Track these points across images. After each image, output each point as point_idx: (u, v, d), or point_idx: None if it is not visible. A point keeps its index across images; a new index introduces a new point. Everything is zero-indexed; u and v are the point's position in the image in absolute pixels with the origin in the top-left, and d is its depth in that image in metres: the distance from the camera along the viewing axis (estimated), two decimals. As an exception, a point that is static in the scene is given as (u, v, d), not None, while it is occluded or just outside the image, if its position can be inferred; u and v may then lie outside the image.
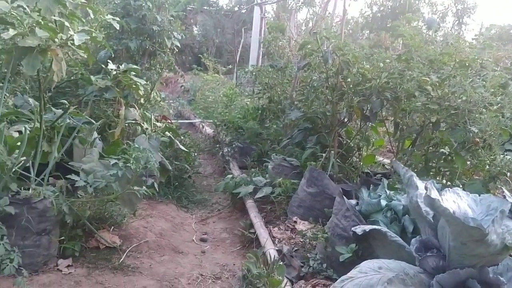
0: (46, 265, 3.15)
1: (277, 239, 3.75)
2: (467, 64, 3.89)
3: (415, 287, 2.03)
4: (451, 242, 2.05)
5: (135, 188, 3.40)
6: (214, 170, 6.89)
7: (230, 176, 5.32)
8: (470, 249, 1.98)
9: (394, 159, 4.25)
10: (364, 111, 4.23)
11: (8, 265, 2.71)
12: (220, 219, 4.93)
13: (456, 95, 3.57)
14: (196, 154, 6.08)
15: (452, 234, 2.01)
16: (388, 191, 3.29)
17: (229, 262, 3.77)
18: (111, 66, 4.04)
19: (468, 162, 3.75)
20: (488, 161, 3.40)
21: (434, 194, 2.07)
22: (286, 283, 2.81)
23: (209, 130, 8.51)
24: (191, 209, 5.15)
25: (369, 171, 4.78)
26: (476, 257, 2.02)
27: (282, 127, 5.87)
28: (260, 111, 6.75)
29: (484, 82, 3.72)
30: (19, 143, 3.34)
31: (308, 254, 3.29)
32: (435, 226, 2.26)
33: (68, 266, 3.25)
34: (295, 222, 3.96)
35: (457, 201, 2.35)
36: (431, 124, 3.78)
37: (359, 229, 2.73)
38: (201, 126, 9.13)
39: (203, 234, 4.41)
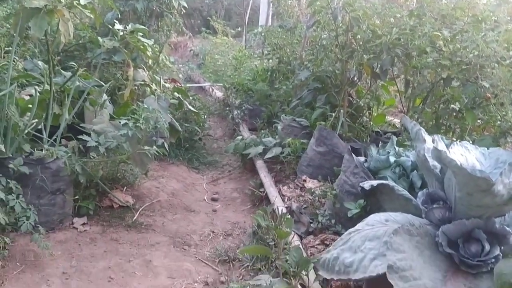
0: (62, 223, 3.25)
1: (286, 197, 3.79)
2: (480, 19, 3.78)
3: (420, 237, 2.05)
4: (457, 193, 2.05)
5: (146, 148, 3.45)
6: (225, 133, 6.92)
7: (240, 137, 5.35)
8: (476, 199, 1.98)
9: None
10: (374, 69, 4.17)
11: (24, 222, 2.80)
12: (231, 180, 5.00)
13: (468, 50, 3.49)
14: (206, 116, 6.09)
15: (459, 185, 2.01)
16: (397, 148, 3.28)
17: (240, 220, 3.85)
18: (118, 26, 4.02)
19: (479, 120, 3.72)
20: (499, 117, 3.36)
21: (441, 146, 2.07)
22: (293, 236, 2.87)
23: (219, 94, 8.50)
24: (202, 170, 5.22)
25: (379, 130, 4.77)
26: (482, 207, 2.02)
27: (292, 88, 5.82)
28: (269, 73, 6.69)
29: (497, 37, 3.64)
30: (30, 105, 3.39)
31: (317, 211, 3.34)
32: (442, 179, 2.26)
33: (83, 224, 3.35)
34: (305, 180, 4.00)
35: (465, 154, 2.34)
36: (442, 81, 3.72)
37: (367, 184, 2.75)
38: (210, 89, 9.10)
39: (214, 194, 4.49)
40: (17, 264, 2.72)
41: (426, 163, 2.31)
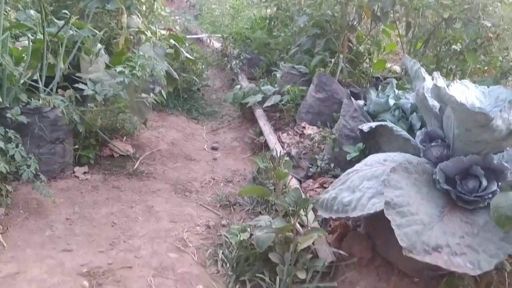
0: (63, 172, 3.27)
1: (285, 144, 3.80)
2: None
3: (418, 175, 2.06)
4: (456, 130, 2.04)
5: (143, 96, 3.42)
6: (224, 84, 6.86)
7: (238, 86, 5.30)
8: (474, 135, 1.98)
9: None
10: (375, 11, 4.06)
11: (25, 170, 2.81)
12: (231, 129, 5.00)
13: (470, -12, 3.39)
14: (204, 66, 6.01)
15: (457, 121, 2.00)
16: (396, 91, 3.25)
17: (240, 167, 3.87)
18: (109, -30, 3.89)
19: (480, 62, 3.66)
20: (500, 58, 3.30)
21: (440, 82, 2.04)
22: (291, 179, 2.90)
23: (217, 44, 8.36)
24: (201, 120, 5.21)
25: (379, 76, 4.71)
26: (481, 143, 2.02)
27: (291, 35, 5.71)
28: (267, 21, 6.54)
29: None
30: (24, 55, 3.33)
31: (316, 156, 3.35)
32: (441, 118, 2.24)
33: (85, 173, 3.37)
34: (304, 127, 3.99)
35: (464, 93, 2.32)
36: (443, 22, 3.64)
37: (366, 127, 2.74)
38: (208, 40, 8.95)
39: (214, 143, 4.49)
40: (21, 211, 2.76)
41: (425, 101, 2.29)
